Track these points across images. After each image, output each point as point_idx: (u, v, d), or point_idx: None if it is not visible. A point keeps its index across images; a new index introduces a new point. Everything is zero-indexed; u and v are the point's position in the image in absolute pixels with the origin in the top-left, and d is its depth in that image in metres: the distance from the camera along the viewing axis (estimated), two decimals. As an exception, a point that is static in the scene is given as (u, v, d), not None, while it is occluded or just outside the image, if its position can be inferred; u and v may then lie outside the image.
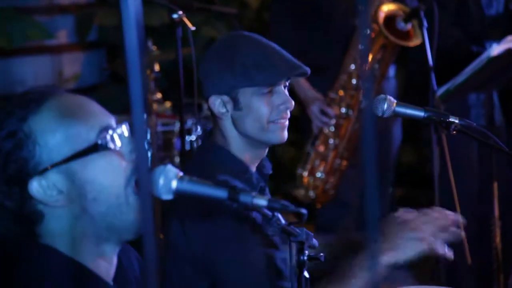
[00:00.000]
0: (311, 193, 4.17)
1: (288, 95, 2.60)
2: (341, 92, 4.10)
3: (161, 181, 1.69)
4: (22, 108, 1.77)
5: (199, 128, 4.35)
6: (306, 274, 2.04)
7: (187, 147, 4.33)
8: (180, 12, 3.32)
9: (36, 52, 5.45)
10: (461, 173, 4.25)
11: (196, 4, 3.58)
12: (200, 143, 3.21)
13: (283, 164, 5.08)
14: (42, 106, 1.77)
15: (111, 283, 1.85)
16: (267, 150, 2.67)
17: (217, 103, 2.58)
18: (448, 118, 2.46)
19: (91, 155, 1.76)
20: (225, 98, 2.57)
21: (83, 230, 1.78)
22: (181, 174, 1.71)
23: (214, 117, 2.63)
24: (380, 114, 2.51)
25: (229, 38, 2.65)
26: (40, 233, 1.78)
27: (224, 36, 2.68)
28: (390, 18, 4.06)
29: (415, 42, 4.02)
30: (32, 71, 5.50)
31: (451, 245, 3.50)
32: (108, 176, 1.77)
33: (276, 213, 1.87)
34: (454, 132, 2.46)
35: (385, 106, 2.50)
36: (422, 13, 3.78)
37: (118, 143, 1.80)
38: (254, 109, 2.56)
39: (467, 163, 4.33)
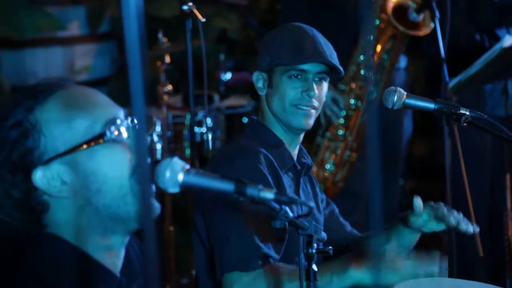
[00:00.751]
0: (321, 186, 4.15)
1: (315, 86, 2.72)
2: (351, 84, 4.07)
3: (168, 174, 1.68)
4: (30, 99, 1.78)
5: (209, 120, 4.35)
6: (314, 267, 2.03)
7: (198, 138, 4.33)
8: (190, 4, 3.31)
9: (47, 43, 5.44)
10: (474, 165, 4.23)
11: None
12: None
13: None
14: (49, 97, 1.79)
15: (118, 275, 1.84)
16: (301, 137, 2.79)
17: (257, 79, 2.80)
18: (459, 110, 2.44)
19: (95, 146, 1.76)
20: (264, 75, 2.78)
21: (88, 221, 1.78)
22: (187, 167, 1.70)
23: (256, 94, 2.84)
24: (390, 106, 2.50)
25: (285, 25, 2.86)
26: (46, 223, 1.78)
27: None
28: (400, 8, 4.03)
29: (424, 31, 3.99)
30: (43, 62, 5.50)
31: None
32: (112, 167, 1.77)
33: (283, 206, 1.85)
34: (465, 124, 2.45)
35: (395, 98, 2.49)
36: (434, 4, 3.75)
37: (125, 134, 1.80)
38: (281, 89, 2.73)
39: (480, 155, 4.30)
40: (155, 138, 4.35)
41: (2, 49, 5.29)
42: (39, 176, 1.74)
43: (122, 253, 1.86)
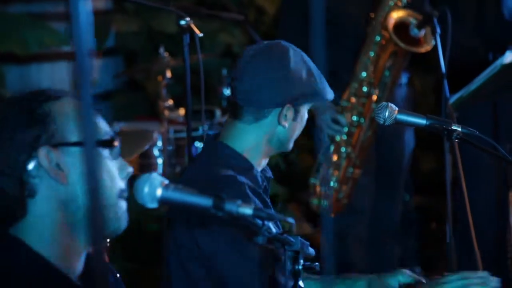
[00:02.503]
0: (324, 203, 4.14)
1: None
2: (353, 100, 4.06)
3: (146, 189, 1.69)
4: (45, 94, 1.88)
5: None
6: (301, 283, 2.02)
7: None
8: (188, 19, 3.31)
9: (53, 58, 5.47)
10: (477, 180, 4.21)
11: (204, 11, 3.57)
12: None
13: (297, 172, 5.05)
14: (63, 97, 1.89)
15: (76, 280, 1.87)
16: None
17: (287, 112, 2.56)
18: (450, 126, 2.43)
19: (102, 150, 1.85)
20: (291, 109, 2.57)
21: (64, 217, 1.83)
22: (166, 182, 1.70)
23: (236, 116, 2.60)
24: (381, 122, 2.49)
25: (277, 47, 2.62)
26: (28, 210, 1.83)
27: (267, 44, 2.65)
28: (401, 25, 4.02)
29: (425, 48, 3.98)
30: (49, 77, 5.53)
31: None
32: (109, 177, 1.86)
33: (266, 222, 1.84)
34: (457, 140, 2.44)
35: (387, 113, 2.48)
36: (435, 20, 3.74)
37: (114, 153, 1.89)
38: (303, 121, 2.63)
39: (484, 170, 4.28)
40: (156, 152, 4.36)
41: (7, 64, 5.31)
42: (44, 153, 1.81)
43: (82, 259, 1.89)
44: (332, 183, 4.11)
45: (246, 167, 2.59)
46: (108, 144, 1.86)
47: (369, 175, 4.25)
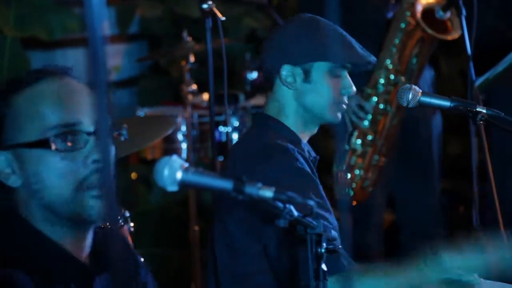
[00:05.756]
0: (349, 191, 4.11)
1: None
2: (379, 88, 4.02)
3: (166, 172, 1.67)
4: (13, 85, 1.86)
5: (235, 119, 4.34)
6: (324, 267, 2.00)
7: (224, 138, 4.33)
8: (210, 2, 3.30)
9: (77, 44, 5.48)
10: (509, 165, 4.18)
11: (227, -6, 3.55)
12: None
13: (322, 157, 5.00)
14: (29, 87, 1.85)
15: (82, 260, 1.88)
16: (317, 128, 2.74)
17: (287, 73, 2.64)
18: (475, 108, 2.40)
19: (41, 150, 1.81)
20: (297, 69, 2.63)
21: (36, 212, 1.85)
22: (186, 165, 1.69)
23: (271, 88, 2.70)
24: (405, 104, 2.48)
25: (308, 17, 2.72)
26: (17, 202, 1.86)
27: (300, 15, 2.75)
28: (427, 10, 3.98)
29: (453, 35, 3.93)
30: (73, 63, 5.53)
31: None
32: (54, 176, 1.81)
33: (288, 205, 1.83)
34: (481, 122, 2.41)
35: (410, 96, 2.46)
36: (460, 2, 3.70)
37: (80, 145, 1.82)
38: (324, 87, 2.64)
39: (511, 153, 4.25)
40: (180, 137, 4.36)
41: (32, 49, 5.34)
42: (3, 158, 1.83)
43: (87, 241, 1.89)
44: (357, 171, 4.08)
45: (294, 140, 2.64)
46: (55, 139, 1.81)
47: (391, 161, 4.20)
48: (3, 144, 1.83)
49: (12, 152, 1.83)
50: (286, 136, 2.63)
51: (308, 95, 2.65)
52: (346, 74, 2.68)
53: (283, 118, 2.67)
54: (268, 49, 2.71)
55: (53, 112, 1.83)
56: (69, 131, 1.81)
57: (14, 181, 1.83)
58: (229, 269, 2.62)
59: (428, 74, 4.35)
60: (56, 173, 1.81)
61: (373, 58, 2.70)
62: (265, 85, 2.75)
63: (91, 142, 1.82)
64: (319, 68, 2.64)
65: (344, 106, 2.69)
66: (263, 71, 2.75)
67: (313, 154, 2.73)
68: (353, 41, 2.71)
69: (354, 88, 2.67)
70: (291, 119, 2.67)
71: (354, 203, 4.14)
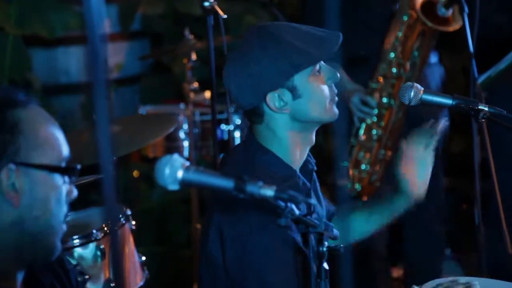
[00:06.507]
0: (357, 186, 4.10)
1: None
2: (382, 81, 4.01)
3: (167, 171, 1.67)
4: (12, 102, 1.80)
5: (237, 118, 4.33)
6: (325, 265, 2.00)
7: (225, 136, 4.32)
8: (212, 0, 3.29)
9: (79, 41, 5.47)
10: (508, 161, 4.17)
11: (229, -8, 3.55)
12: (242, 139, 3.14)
13: (325, 155, 5.02)
14: (28, 105, 1.82)
15: None
16: (314, 134, 2.58)
17: (273, 99, 2.46)
18: (477, 106, 2.40)
19: (57, 174, 1.80)
20: (281, 91, 2.45)
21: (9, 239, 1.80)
22: (187, 164, 1.69)
23: (260, 121, 2.53)
24: (407, 102, 2.47)
25: (262, 33, 2.49)
26: None
27: (249, 34, 2.53)
28: (428, 4, 3.97)
29: (454, 27, 3.93)
30: (75, 60, 5.54)
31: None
32: (55, 205, 1.81)
33: (289, 204, 1.83)
34: (483, 120, 2.41)
35: (412, 93, 2.45)
36: (462, -1, 3.69)
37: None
38: (314, 91, 2.48)
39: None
40: (182, 135, 4.35)
41: (34, 47, 5.33)
42: (6, 171, 1.75)
43: (20, 278, 1.87)
44: (364, 166, 4.07)
45: (286, 173, 2.50)
46: (70, 171, 1.82)
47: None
48: (13, 157, 1.76)
49: (25, 170, 1.77)
50: (276, 171, 2.48)
51: (304, 108, 2.48)
52: (324, 64, 2.50)
53: (275, 146, 2.52)
54: (239, 84, 2.48)
55: (64, 143, 1.85)
56: (73, 167, 1.83)
57: (12, 200, 1.77)
58: (220, 266, 2.56)
59: (437, 72, 4.34)
60: (60, 201, 1.82)
61: (336, 33, 2.46)
62: (253, 120, 2.54)
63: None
64: (302, 77, 2.46)
65: (336, 98, 2.53)
66: (243, 110, 2.56)
67: (311, 165, 2.64)
68: (314, 30, 2.49)
69: (337, 75, 2.50)
70: (285, 146, 2.52)
71: (364, 198, 4.13)
